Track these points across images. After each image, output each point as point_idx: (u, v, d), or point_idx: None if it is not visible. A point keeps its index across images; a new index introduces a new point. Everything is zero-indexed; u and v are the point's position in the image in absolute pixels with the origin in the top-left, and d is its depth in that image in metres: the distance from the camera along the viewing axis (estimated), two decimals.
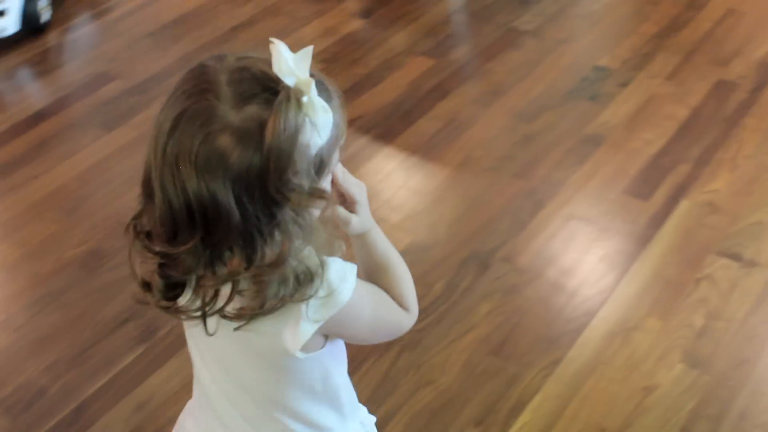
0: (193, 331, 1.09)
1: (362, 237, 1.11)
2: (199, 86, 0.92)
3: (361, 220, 1.09)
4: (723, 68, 2.91)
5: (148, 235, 0.97)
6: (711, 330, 2.02)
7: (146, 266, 0.99)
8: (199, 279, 0.96)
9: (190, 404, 1.27)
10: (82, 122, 2.70)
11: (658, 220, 2.32)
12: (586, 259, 2.21)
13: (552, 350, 1.98)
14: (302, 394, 1.11)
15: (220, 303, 0.96)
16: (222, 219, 0.91)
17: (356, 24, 3.12)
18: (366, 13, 3.19)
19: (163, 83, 2.84)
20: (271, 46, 0.92)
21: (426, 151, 2.56)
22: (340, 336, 1.07)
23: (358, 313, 1.03)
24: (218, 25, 3.13)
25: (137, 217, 0.98)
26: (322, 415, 1.15)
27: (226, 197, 0.90)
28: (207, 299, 0.97)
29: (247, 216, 0.91)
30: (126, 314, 2.10)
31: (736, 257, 2.21)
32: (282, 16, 3.18)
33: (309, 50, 0.92)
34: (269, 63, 0.92)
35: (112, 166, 2.53)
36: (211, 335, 1.00)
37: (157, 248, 0.95)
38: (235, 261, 0.94)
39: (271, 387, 1.10)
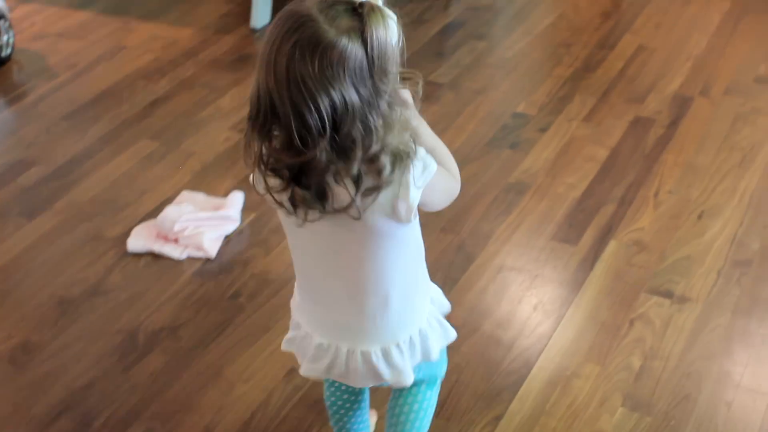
0: (304, 230, 1.37)
1: (415, 129, 1.35)
2: (297, 22, 1.21)
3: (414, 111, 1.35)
4: (639, 105, 2.96)
5: (277, 162, 1.27)
6: (649, 370, 2.03)
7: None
8: (335, 176, 1.26)
9: (301, 312, 1.54)
10: (2, 212, 2.65)
11: (588, 264, 2.34)
12: (521, 309, 2.22)
13: (493, 406, 1.97)
14: (403, 261, 1.44)
15: (351, 191, 1.27)
16: (348, 111, 1.22)
17: None
18: None
19: (84, 165, 2.81)
20: None
21: None
22: (425, 203, 1.36)
23: (438, 180, 1.35)
24: (135, 101, 3.11)
25: (259, 161, 1.28)
26: (415, 281, 1.49)
27: (349, 92, 1.22)
28: (351, 189, 1.26)
29: (362, 104, 1.23)
30: (60, 407, 2.04)
31: (667, 294, 2.23)
32: (199, 87, 3.16)
33: None
34: None
35: (35, 255, 2.48)
36: (358, 219, 1.30)
37: (290, 161, 1.25)
38: (358, 150, 1.24)
39: (379, 260, 1.41)
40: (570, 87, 3.05)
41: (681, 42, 3.31)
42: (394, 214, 1.33)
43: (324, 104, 1.20)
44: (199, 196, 2.62)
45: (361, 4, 1.23)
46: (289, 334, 1.57)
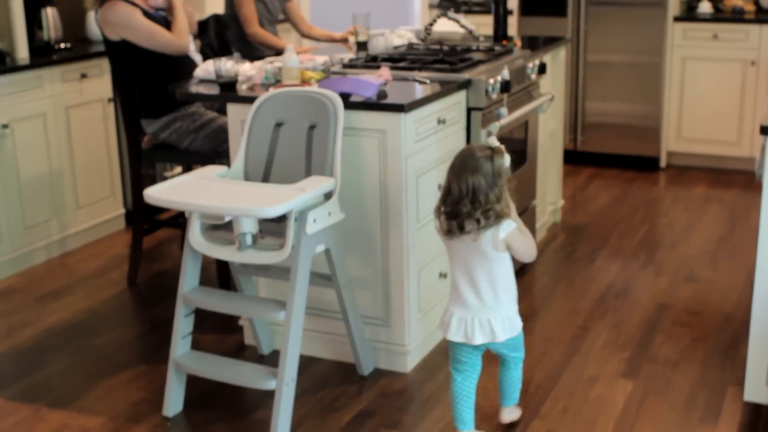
0: (454, 252, 3.05)
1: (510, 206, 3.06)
2: (470, 155, 2.98)
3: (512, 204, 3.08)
4: None
5: (444, 212, 3.02)
6: None
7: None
8: (468, 216, 2.94)
9: (449, 304, 3.12)
10: None
11: None
12: None
13: None
14: (506, 280, 3.06)
15: (475, 225, 2.96)
16: (483, 190, 2.92)
17: None
18: None
19: None
20: (489, 139, 3.05)
21: None
22: (510, 247, 3.00)
23: (516, 236, 2.98)
24: None
25: (440, 213, 3.04)
26: (505, 288, 3.06)
27: (486, 181, 2.93)
28: (479, 225, 2.95)
29: (488, 186, 2.93)
30: None
31: None
32: None
33: (493, 138, 3.08)
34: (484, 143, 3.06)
35: None
36: (475, 242, 2.98)
37: (452, 210, 2.97)
38: (481, 206, 2.92)
39: (491, 273, 3.02)
40: None
41: (588, 426, 3.37)
42: (492, 244, 2.96)
43: (474, 186, 2.93)
44: None
45: (492, 148, 2.97)
46: (443, 318, 3.15)
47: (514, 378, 3.28)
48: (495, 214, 2.92)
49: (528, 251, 3.04)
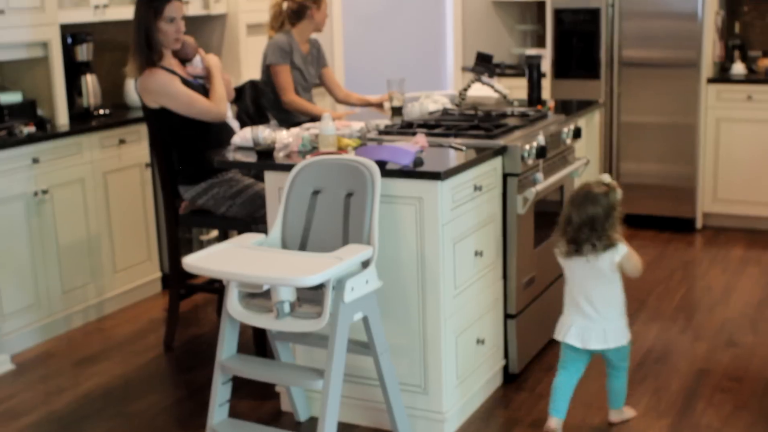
0: (573, 272, 3.62)
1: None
2: (588, 191, 3.56)
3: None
4: None
5: (568, 234, 3.58)
6: None
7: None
8: (586, 241, 3.53)
9: (563, 318, 3.70)
10: None
11: None
12: None
13: None
14: (617, 296, 3.63)
15: (590, 248, 3.55)
16: (600, 220, 3.50)
17: None
18: None
19: None
20: (604, 176, 3.66)
21: None
22: (624, 267, 3.57)
23: (627, 257, 3.55)
24: None
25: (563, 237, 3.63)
26: (616, 304, 3.64)
27: (600, 210, 3.51)
28: (593, 248, 3.53)
29: (604, 216, 3.51)
30: None
31: None
32: None
33: (607, 175, 3.70)
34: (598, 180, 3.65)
35: None
36: (587, 261, 3.57)
37: (574, 236, 3.55)
38: (598, 232, 3.51)
39: (604, 289, 3.58)
40: None
41: None
42: (609, 265, 3.51)
43: (592, 216, 3.48)
44: None
45: (607, 184, 3.54)
46: (560, 326, 3.69)
47: (618, 386, 3.76)
48: (608, 240, 3.48)
49: (638, 269, 3.57)
